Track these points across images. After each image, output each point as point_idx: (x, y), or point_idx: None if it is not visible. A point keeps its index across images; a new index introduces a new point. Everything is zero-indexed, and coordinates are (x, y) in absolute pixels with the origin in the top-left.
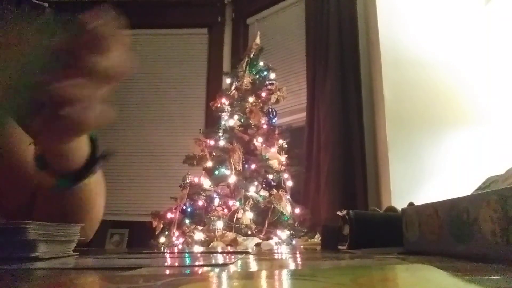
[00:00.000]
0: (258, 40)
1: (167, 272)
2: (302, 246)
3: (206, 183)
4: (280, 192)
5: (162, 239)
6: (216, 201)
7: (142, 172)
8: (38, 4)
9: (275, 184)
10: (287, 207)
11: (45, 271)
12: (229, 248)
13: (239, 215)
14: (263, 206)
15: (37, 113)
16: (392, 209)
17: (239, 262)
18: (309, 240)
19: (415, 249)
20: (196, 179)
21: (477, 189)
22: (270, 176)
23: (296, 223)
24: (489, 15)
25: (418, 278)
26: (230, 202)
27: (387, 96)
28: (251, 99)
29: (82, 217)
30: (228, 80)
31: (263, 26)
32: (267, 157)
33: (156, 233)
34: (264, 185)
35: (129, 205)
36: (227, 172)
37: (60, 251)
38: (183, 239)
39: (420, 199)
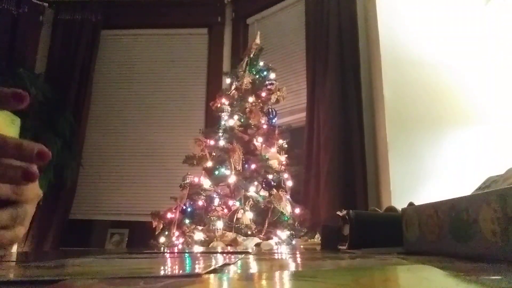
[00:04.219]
0: (258, 40)
1: (168, 273)
2: (302, 246)
3: (206, 183)
4: (280, 192)
5: (162, 239)
6: (216, 201)
7: (142, 172)
8: (38, 4)
9: (275, 184)
10: (287, 207)
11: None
12: (229, 248)
13: (239, 215)
14: (263, 206)
15: None
16: (392, 209)
17: (239, 262)
18: (309, 240)
19: (415, 249)
20: (196, 179)
21: (477, 189)
22: (270, 176)
23: (296, 223)
24: (489, 15)
25: (419, 279)
26: (230, 202)
27: (387, 96)
28: (251, 99)
29: None
30: (228, 80)
31: (263, 26)
32: (267, 157)
33: (156, 233)
34: (264, 185)
35: (129, 205)
36: (227, 172)
37: None
38: (183, 239)
39: (420, 199)
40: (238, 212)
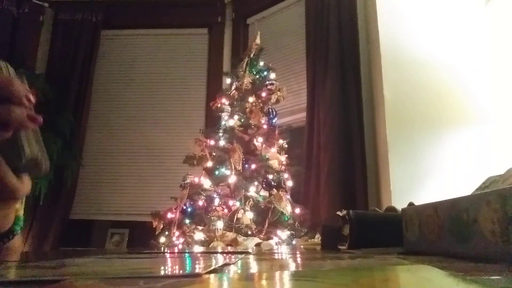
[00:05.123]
0: (258, 40)
1: (168, 273)
2: (302, 246)
3: (206, 183)
4: (280, 192)
5: (162, 239)
6: (216, 201)
7: (142, 172)
8: (38, 4)
9: (275, 184)
10: (287, 207)
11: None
12: (229, 248)
13: (239, 215)
14: (263, 206)
15: None
16: (392, 209)
17: (240, 262)
18: (309, 240)
19: (415, 249)
20: (196, 179)
21: (477, 189)
22: (270, 176)
23: (296, 223)
24: (489, 15)
25: (419, 279)
26: (230, 202)
27: (387, 96)
28: (251, 99)
29: None
30: (228, 80)
31: (263, 26)
32: (267, 157)
33: (156, 233)
34: (264, 185)
35: (129, 205)
36: (227, 172)
37: None
38: (183, 239)
39: (420, 199)
40: (238, 212)
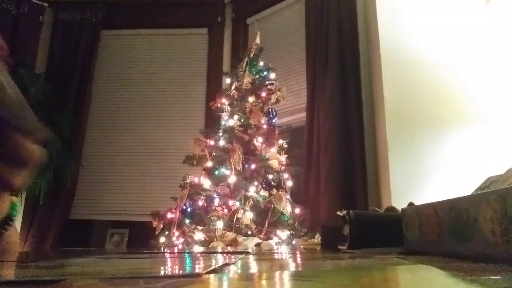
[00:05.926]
0: (258, 40)
1: (168, 273)
2: (302, 246)
3: (206, 183)
4: (280, 192)
5: (162, 239)
6: (216, 201)
7: (142, 172)
8: (38, 4)
9: (275, 184)
10: (287, 207)
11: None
12: (229, 248)
13: (239, 215)
14: (263, 206)
15: None
16: (392, 209)
17: (240, 262)
18: (309, 240)
19: (415, 249)
20: (196, 179)
21: (477, 189)
22: (270, 176)
23: (296, 223)
24: (489, 15)
25: (419, 279)
26: (230, 202)
27: (387, 96)
28: (251, 99)
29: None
30: (228, 80)
31: (263, 26)
32: (267, 157)
33: (156, 233)
34: (264, 185)
35: (129, 205)
36: (227, 172)
37: None
38: (183, 239)
39: (420, 199)
40: (238, 212)
